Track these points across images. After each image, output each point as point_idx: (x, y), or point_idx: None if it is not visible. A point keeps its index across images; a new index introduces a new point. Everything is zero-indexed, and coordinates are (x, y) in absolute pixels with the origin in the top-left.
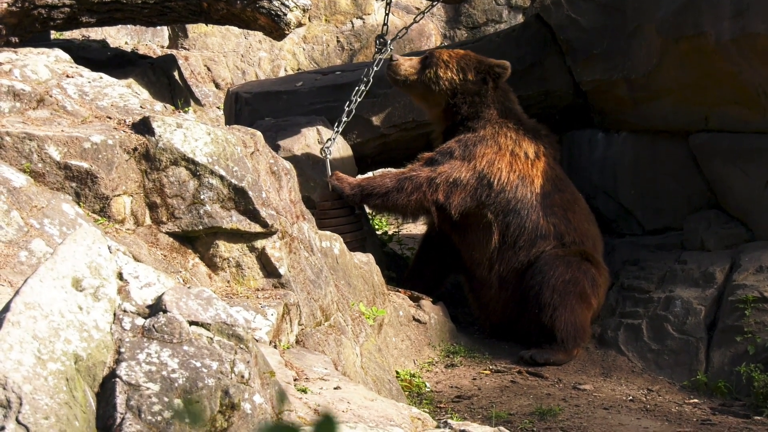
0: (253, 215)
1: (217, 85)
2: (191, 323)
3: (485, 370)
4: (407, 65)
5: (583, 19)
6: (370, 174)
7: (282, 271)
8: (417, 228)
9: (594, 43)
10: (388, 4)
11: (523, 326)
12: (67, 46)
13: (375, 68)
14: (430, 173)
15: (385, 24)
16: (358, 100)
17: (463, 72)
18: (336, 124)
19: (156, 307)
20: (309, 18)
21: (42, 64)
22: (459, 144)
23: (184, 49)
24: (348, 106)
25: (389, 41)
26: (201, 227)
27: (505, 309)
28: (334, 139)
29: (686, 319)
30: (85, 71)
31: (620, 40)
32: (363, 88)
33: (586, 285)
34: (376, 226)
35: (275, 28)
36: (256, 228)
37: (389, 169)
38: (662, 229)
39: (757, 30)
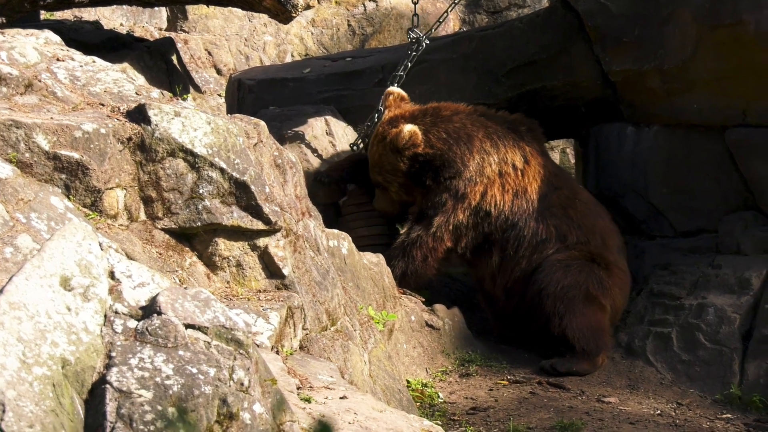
0: (256, 211)
1: (219, 71)
2: (187, 326)
3: (503, 380)
4: (382, 205)
5: (612, 4)
6: None
7: (286, 271)
8: None
9: (624, 30)
10: None
11: (537, 336)
12: (57, 27)
13: (410, 64)
14: (429, 229)
15: (415, 14)
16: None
17: (395, 170)
18: (368, 121)
19: (150, 309)
20: (318, 0)
21: (31, 47)
22: (450, 194)
23: (184, 31)
24: (381, 106)
25: (423, 36)
26: (199, 224)
27: (516, 319)
28: (364, 138)
29: (720, 327)
30: (77, 54)
31: (653, 27)
32: (397, 85)
33: (591, 286)
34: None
35: (281, 10)
36: (259, 225)
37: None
38: (695, 230)
39: None
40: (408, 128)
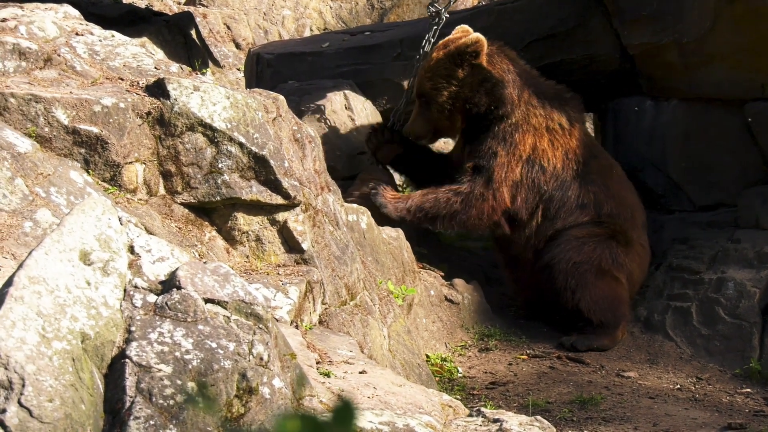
0: (275, 186)
1: (238, 45)
2: (207, 301)
3: (522, 354)
4: (416, 126)
5: None
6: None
7: (305, 246)
8: None
9: (643, 3)
10: None
11: (555, 307)
12: (76, 1)
13: (432, 40)
14: (489, 183)
15: None
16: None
17: (450, 76)
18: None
19: (169, 283)
20: None
21: (50, 21)
22: (497, 141)
23: (203, 6)
24: (409, 87)
25: (443, 9)
26: (218, 198)
27: (538, 283)
28: (398, 119)
29: (739, 302)
30: (96, 29)
31: (671, 0)
32: (422, 64)
33: (603, 261)
34: None
35: None
36: (278, 200)
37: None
38: (714, 205)
39: None
40: (475, 34)
